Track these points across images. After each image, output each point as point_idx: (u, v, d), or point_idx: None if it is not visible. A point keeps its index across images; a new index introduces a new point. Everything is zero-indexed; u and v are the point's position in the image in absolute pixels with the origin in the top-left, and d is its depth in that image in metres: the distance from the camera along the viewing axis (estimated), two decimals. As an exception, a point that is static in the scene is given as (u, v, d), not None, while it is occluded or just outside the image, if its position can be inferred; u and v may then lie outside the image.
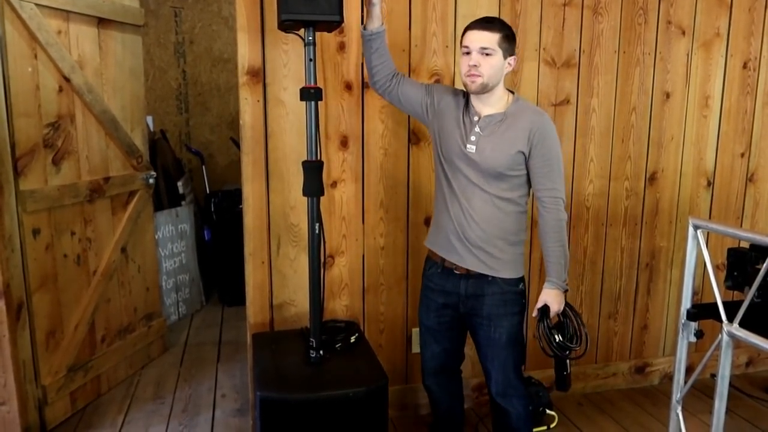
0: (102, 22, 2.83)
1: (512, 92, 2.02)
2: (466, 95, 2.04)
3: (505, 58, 1.91)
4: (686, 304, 2.02)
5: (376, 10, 1.99)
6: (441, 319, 2.13)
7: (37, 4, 2.43)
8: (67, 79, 2.61)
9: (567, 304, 1.99)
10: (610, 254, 2.92)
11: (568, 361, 1.99)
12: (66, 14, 2.61)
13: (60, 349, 2.65)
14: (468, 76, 1.90)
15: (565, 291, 1.98)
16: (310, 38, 2.00)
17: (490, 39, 1.88)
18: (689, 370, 2.19)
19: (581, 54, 2.69)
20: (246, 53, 2.33)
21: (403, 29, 2.47)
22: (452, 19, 2.50)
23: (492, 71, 1.89)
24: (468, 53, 1.90)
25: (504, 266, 2.00)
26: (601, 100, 2.76)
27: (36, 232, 2.50)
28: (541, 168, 1.93)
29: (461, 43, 1.95)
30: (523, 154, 1.93)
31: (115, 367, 3.03)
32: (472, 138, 1.95)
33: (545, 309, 1.95)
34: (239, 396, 2.97)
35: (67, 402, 2.71)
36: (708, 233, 2.15)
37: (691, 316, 2.01)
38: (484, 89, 1.92)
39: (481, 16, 2.48)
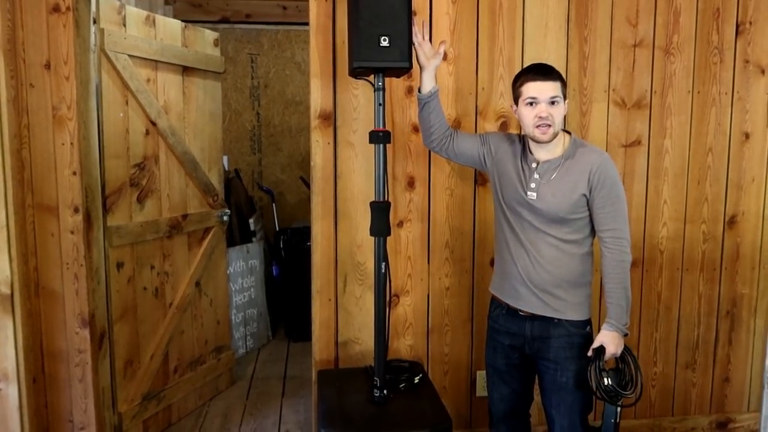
0: (186, 71, 3.03)
1: (569, 132, 2.00)
2: (522, 140, 2.04)
3: (564, 103, 1.93)
4: (771, 356, 1.90)
5: (432, 74, 2.04)
6: (509, 361, 2.10)
7: (130, 56, 2.64)
8: (154, 123, 2.80)
9: (626, 348, 1.93)
10: (686, 300, 2.79)
11: (618, 408, 1.92)
12: (155, 64, 2.81)
13: (136, 377, 2.77)
14: (538, 127, 1.88)
15: (625, 335, 1.92)
16: (380, 84, 2.08)
17: (555, 88, 1.88)
18: (777, 428, 2.05)
19: (653, 94, 2.64)
20: (318, 98, 2.44)
21: (470, 73, 2.52)
22: (519, 63, 2.52)
23: (559, 119, 1.89)
24: (534, 104, 1.89)
25: (569, 308, 1.97)
26: (674, 140, 2.68)
27: (120, 265, 2.66)
28: (603, 208, 1.90)
29: (521, 93, 1.92)
30: (585, 196, 1.91)
31: (186, 397, 3.13)
32: (532, 185, 1.94)
33: (600, 350, 1.89)
34: (303, 432, 3.00)
35: (140, 430, 2.81)
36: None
37: (777, 370, 1.89)
38: (554, 137, 1.91)
39: (549, 58, 2.53)
